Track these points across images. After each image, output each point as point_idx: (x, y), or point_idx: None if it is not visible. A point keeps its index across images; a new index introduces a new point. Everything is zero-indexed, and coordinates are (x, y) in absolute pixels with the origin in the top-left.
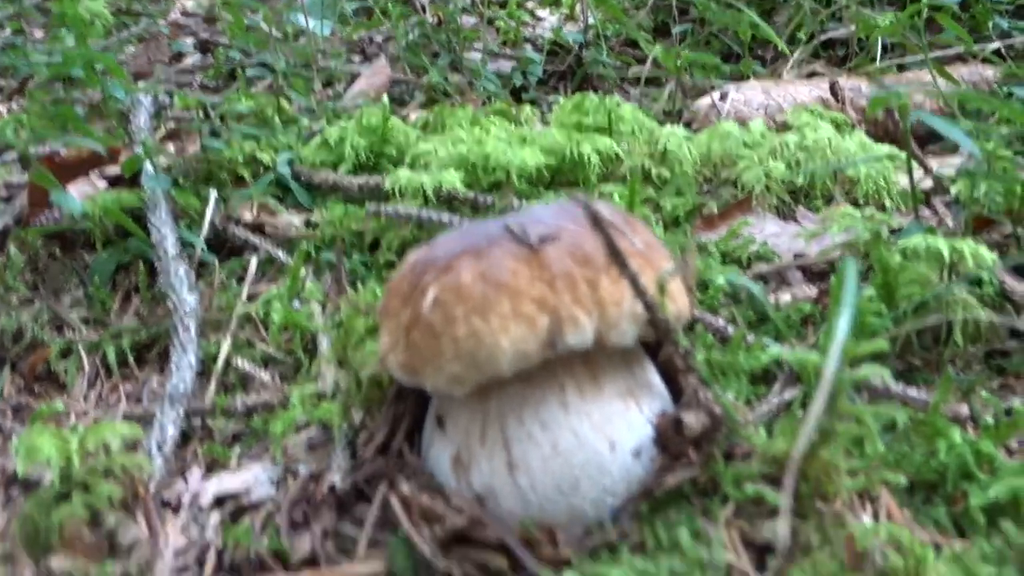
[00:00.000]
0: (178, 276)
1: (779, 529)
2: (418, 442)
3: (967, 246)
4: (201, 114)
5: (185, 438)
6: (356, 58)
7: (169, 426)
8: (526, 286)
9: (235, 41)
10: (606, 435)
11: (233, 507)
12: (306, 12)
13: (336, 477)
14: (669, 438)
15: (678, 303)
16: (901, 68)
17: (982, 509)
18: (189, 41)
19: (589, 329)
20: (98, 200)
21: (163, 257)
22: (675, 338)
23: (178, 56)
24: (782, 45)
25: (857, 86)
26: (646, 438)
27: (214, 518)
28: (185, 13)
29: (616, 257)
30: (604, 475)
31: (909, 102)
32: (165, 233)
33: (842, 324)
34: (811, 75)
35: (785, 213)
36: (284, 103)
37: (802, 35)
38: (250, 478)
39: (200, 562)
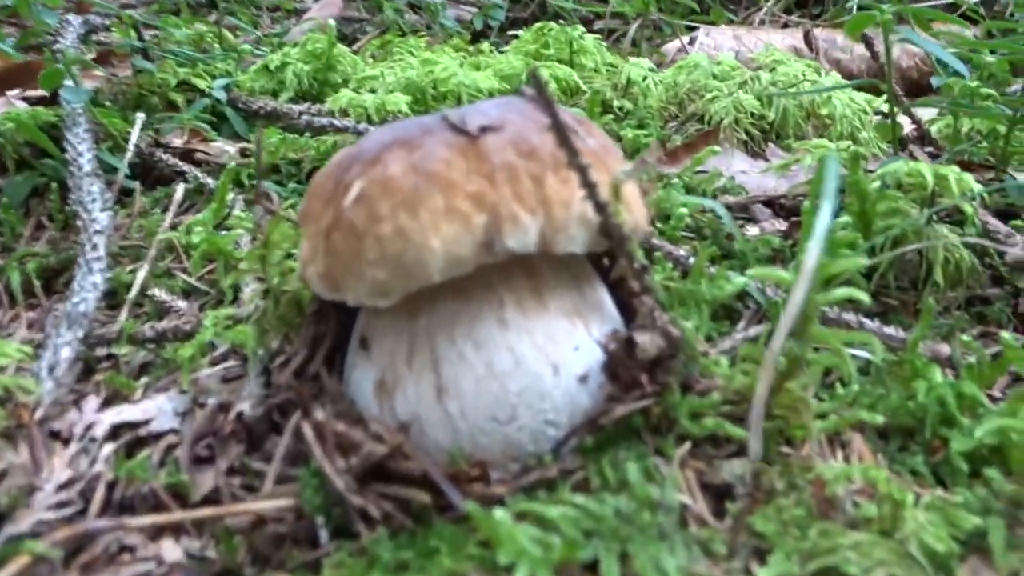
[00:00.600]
0: (90, 193)
1: (741, 469)
2: (339, 366)
3: (951, 172)
4: (134, 35)
5: (88, 370)
6: None
7: (64, 348)
8: (461, 179)
9: None
10: (548, 357)
11: (131, 439)
12: None
13: (245, 405)
14: (620, 361)
15: (634, 212)
16: None
17: (964, 455)
18: None
19: (532, 231)
20: (12, 115)
21: (76, 174)
22: (630, 251)
23: None
24: None
25: (832, 38)
26: (594, 362)
27: (107, 450)
28: None
29: (567, 149)
30: (544, 402)
31: (892, 21)
32: (81, 151)
33: (822, 221)
34: (784, 26)
35: (754, 151)
36: (227, 32)
37: None
38: (152, 409)
39: (86, 496)
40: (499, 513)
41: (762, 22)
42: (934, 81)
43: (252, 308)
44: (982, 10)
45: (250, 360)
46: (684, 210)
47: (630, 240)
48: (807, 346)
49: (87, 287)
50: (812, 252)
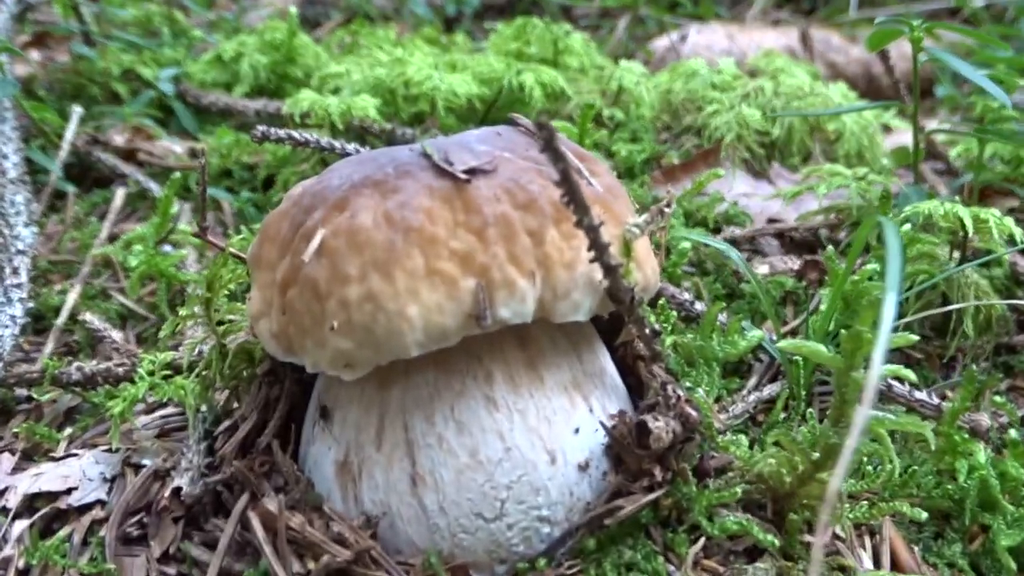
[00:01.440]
0: (13, 205)
1: (765, 573)
2: (295, 437)
3: (992, 215)
4: (73, 16)
5: (5, 413)
6: None
7: None
8: (446, 234)
9: None
10: (545, 442)
11: (49, 511)
12: None
13: (184, 480)
14: (628, 449)
15: (645, 270)
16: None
17: (1011, 551)
18: None
19: (530, 298)
20: None
21: None
22: (640, 316)
23: None
24: None
25: (826, 38)
26: (596, 446)
27: (20, 526)
28: None
29: (575, 201)
30: (539, 496)
31: (922, 36)
32: (7, 152)
33: (888, 309)
34: (776, 23)
35: (757, 170)
36: (178, 14)
37: None
38: (76, 473)
39: None
40: None
41: (753, 18)
42: (939, 90)
43: (194, 355)
44: (979, 13)
45: (190, 422)
46: (687, 244)
47: (641, 303)
48: (845, 434)
49: (4, 321)
50: (875, 369)
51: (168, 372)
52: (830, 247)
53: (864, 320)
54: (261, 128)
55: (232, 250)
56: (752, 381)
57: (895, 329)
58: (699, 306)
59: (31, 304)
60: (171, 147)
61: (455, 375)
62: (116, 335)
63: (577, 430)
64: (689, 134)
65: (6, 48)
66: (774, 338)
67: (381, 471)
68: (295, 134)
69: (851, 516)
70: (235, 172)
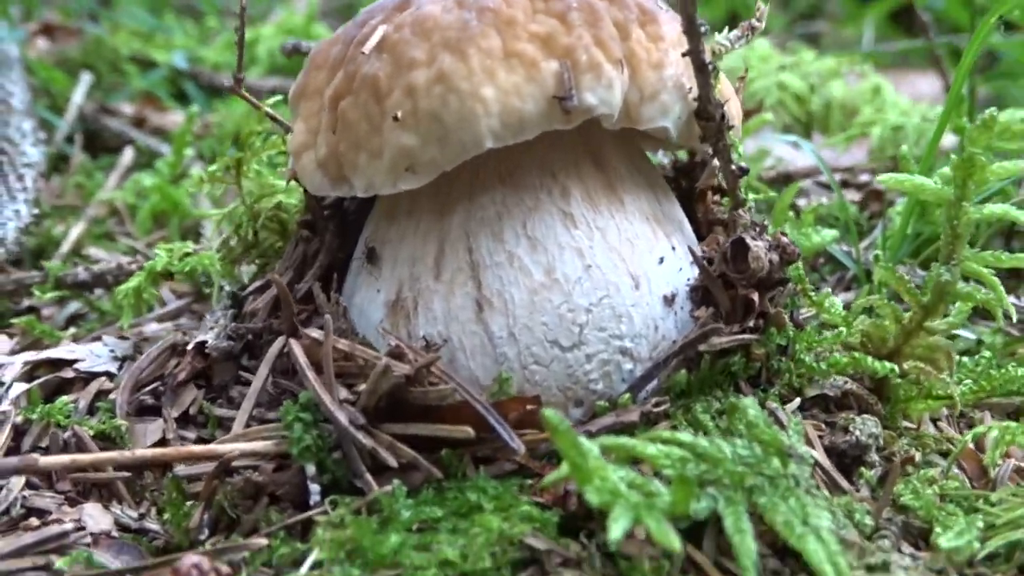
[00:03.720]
0: (20, 129)
1: (876, 429)
2: (335, 288)
3: None
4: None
5: (1, 319)
6: None
7: None
8: (524, 18)
9: None
10: (628, 264)
11: (51, 380)
12: None
13: (209, 335)
14: (719, 284)
15: (732, 104)
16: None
17: None
18: None
19: (617, 87)
20: None
21: (3, 111)
22: (727, 143)
23: None
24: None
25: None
26: (682, 284)
27: (17, 389)
28: None
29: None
30: (621, 323)
31: None
32: (13, 91)
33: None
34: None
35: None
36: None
37: (775, 26)
38: (82, 351)
39: None
40: (585, 441)
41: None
42: None
43: (216, 239)
44: None
45: (214, 294)
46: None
47: (731, 128)
48: (958, 273)
49: (8, 215)
50: None
51: (189, 252)
52: (903, 147)
53: (976, 141)
54: (292, 41)
55: (268, 110)
56: (825, 290)
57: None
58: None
59: (35, 210)
60: (180, 119)
61: (527, 191)
62: (124, 260)
63: (662, 260)
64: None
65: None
66: (847, 249)
67: (440, 300)
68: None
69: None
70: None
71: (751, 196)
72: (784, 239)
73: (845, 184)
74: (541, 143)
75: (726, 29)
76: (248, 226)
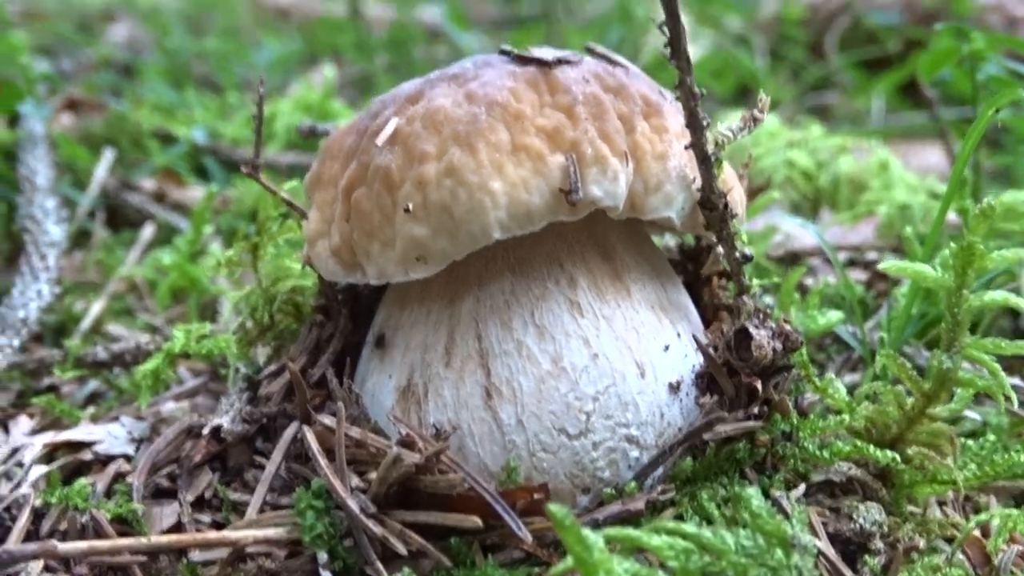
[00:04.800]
0: (43, 208)
1: (880, 516)
2: (350, 375)
3: None
4: (108, 73)
5: (22, 397)
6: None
7: None
8: (532, 112)
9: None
10: (633, 353)
11: (70, 462)
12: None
13: (224, 419)
14: (723, 371)
15: (733, 194)
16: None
17: None
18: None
19: (622, 179)
20: None
21: (29, 189)
22: (731, 232)
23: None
24: (773, 90)
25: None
26: (688, 371)
27: (37, 472)
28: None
29: (686, 93)
30: (627, 411)
31: (981, 48)
32: (36, 168)
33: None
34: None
35: (806, 216)
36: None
37: (787, 98)
38: (99, 432)
39: (3, 525)
40: (590, 535)
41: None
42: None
43: (232, 320)
44: None
45: (230, 376)
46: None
47: (735, 217)
48: (959, 360)
49: (30, 295)
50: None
51: (205, 334)
52: (908, 227)
53: (975, 229)
54: (309, 123)
55: (284, 194)
56: (830, 373)
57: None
58: (768, 300)
59: (57, 289)
60: (199, 194)
61: (535, 280)
62: (143, 338)
63: (667, 348)
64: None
65: (45, 76)
66: (852, 331)
67: (450, 387)
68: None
69: (964, 480)
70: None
71: (755, 281)
72: (787, 327)
73: (852, 263)
74: (548, 233)
75: (731, 120)
76: (264, 309)
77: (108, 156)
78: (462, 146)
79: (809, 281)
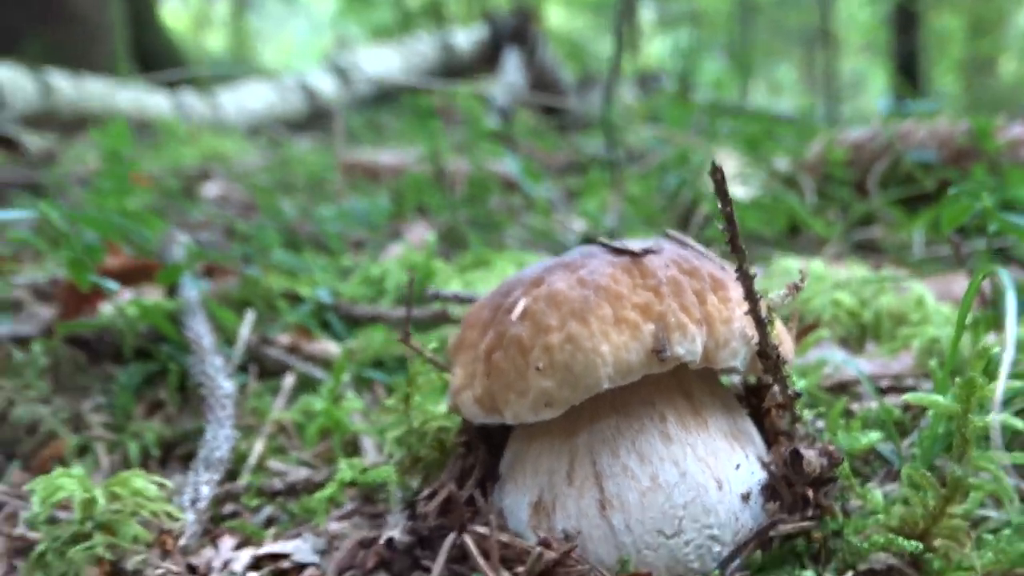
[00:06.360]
0: (214, 365)
1: None
2: (490, 495)
3: None
4: (239, 245)
5: (215, 521)
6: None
7: (203, 486)
8: (628, 292)
9: (266, 218)
10: (712, 471)
11: (273, 570)
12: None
13: (395, 532)
14: (783, 480)
15: (784, 343)
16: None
17: None
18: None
19: (699, 340)
20: (136, 303)
21: (198, 351)
22: (784, 374)
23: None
24: (822, 229)
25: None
26: (755, 483)
27: None
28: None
29: (739, 252)
30: (709, 516)
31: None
32: (201, 332)
33: (1011, 323)
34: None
35: (853, 349)
36: (324, 256)
37: (834, 234)
38: (290, 546)
39: None
40: None
41: (827, 260)
42: None
43: (387, 456)
44: None
45: (391, 498)
46: (802, 383)
47: (784, 363)
48: (969, 469)
49: (220, 438)
50: (1011, 316)
51: (365, 468)
52: (933, 360)
53: (975, 367)
54: (433, 290)
55: (428, 354)
56: (872, 483)
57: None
58: (821, 424)
59: (238, 434)
60: (328, 347)
61: (634, 418)
62: (302, 472)
63: (738, 466)
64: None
65: (201, 255)
66: (891, 448)
67: (573, 502)
68: (460, 293)
69: (983, 564)
70: (387, 362)
71: (806, 412)
72: (831, 448)
73: (893, 389)
74: (644, 381)
75: (779, 290)
76: (418, 446)
77: (250, 317)
78: (578, 319)
79: (856, 406)
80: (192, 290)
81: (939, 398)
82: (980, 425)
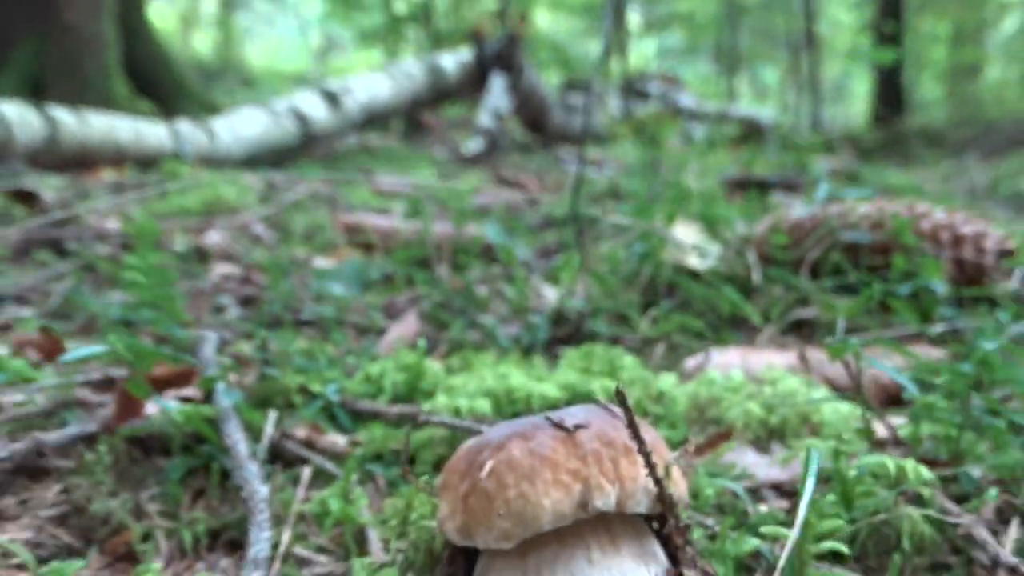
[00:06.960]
0: (250, 471)
1: None
2: None
3: (909, 464)
4: (260, 347)
5: None
6: (381, 316)
7: None
8: (563, 460)
9: (273, 293)
10: None
11: None
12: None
13: None
14: None
15: (679, 487)
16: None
17: None
18: (228, 299)
19: (612, 496)
20: (183, 411)
21: (236, 456)
22: (677, 514)
23: (220, 309)
24: (758, 319)
25: (822, 358)
26: None
27: None
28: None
29: (637, 439)
30: None
31: (861, 351)
32: (237, 438)
33: (807, 490)
34: (782, 346)
35: (761, 448)
36: (329, 346)
37: (773, 315)
38: None
39: None
40: None
41: (763, 343)
42: (906, 395)
43: (392, 557)
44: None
45: None
46: (710, 491)
47: (677, 506)
48: None
49: (262, 540)
50: (803, 507)
51: (376, 567)
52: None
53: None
54: (425, 415)
55: (421, 484)
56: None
57: (851, 542)
58: (718, 528)
59: (271, 533)
60: (336, 440)
61: (568, 547)
62: (322, 558)
63: None
64: (711, 424)
65: (233, 367)
66: (770, 549)
67: None
68: (444, 419)
69: None
70: (385, 455)
71: (696, 533)
72: (708, 567)
73: (785, 491)
74: (576, 522)
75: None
76: (414, 556)
77: (272, 416)
78: (527, 481)
79: (763, 507)
80: (226, 400)
81: (783, 530)
82: (812, 551)
